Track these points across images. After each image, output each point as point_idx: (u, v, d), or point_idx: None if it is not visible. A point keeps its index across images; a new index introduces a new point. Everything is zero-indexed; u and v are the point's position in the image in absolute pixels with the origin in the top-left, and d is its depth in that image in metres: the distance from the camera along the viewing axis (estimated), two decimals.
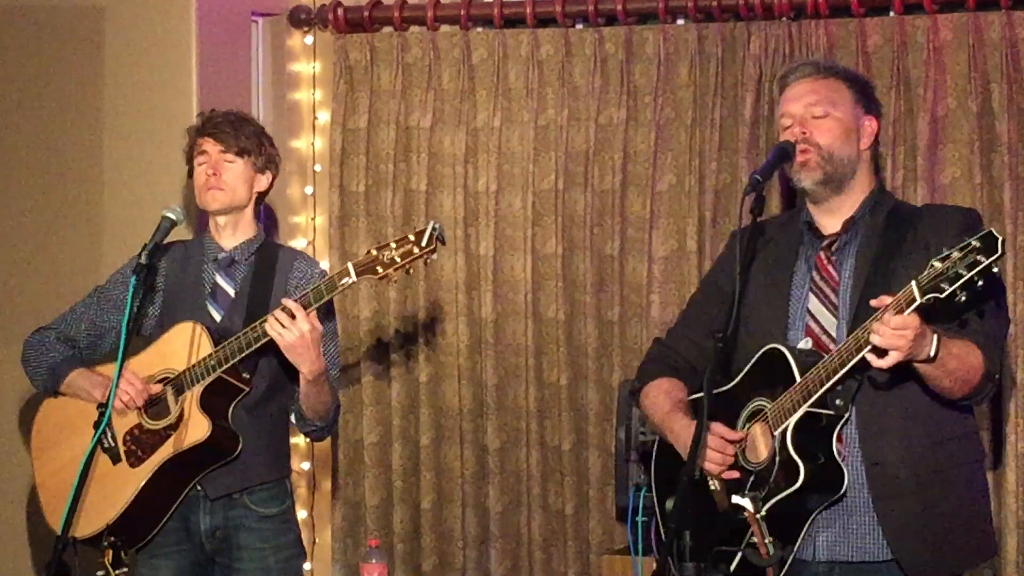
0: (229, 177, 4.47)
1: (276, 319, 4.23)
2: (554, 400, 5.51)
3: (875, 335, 3.66)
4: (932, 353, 3.70)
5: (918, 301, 3.62)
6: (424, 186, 5.62)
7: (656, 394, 4.17)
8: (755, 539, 3.60)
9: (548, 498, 5.53)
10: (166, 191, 5.19)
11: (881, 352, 3.69)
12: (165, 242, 4.54)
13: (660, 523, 4.17)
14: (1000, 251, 3.55)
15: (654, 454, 4.23)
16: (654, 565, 4.15)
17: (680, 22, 5.39)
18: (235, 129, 4.47)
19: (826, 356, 3.82)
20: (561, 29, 5.47)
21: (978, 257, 3.56)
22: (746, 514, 3.60)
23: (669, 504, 3.75)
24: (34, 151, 5.45)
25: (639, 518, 4.82)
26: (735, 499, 3.60)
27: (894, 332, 3.64)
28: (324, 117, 5.78)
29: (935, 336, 3.70)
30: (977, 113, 5.03)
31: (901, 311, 3.64)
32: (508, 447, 5.56)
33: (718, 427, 3.92)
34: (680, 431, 4.03)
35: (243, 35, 5.63)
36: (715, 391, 4.01)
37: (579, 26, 5.51)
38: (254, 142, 4.50)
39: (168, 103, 5.35)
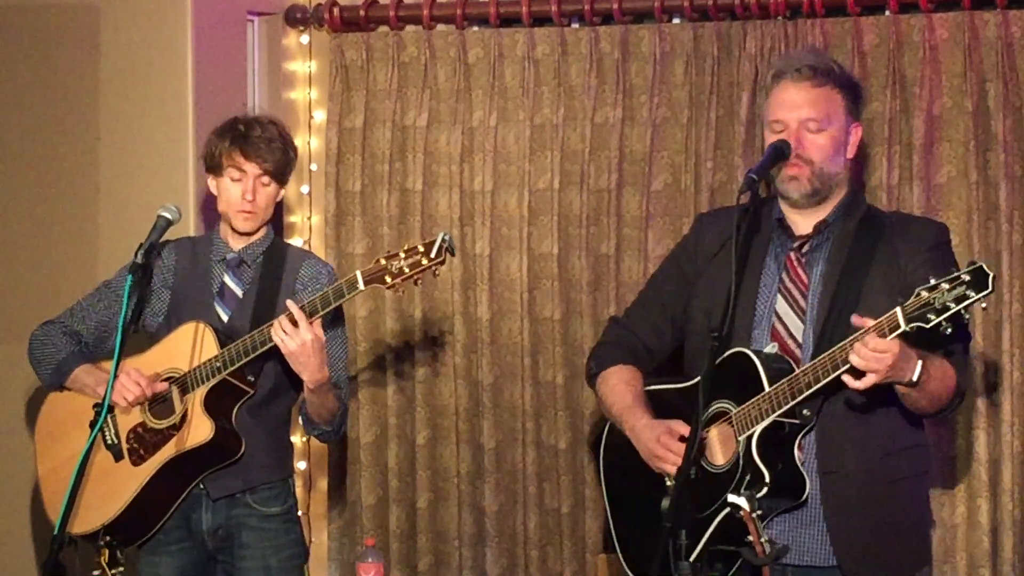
0: (262, 200, 4.47)
1: (280, 325, 4.23)
2: (550, 399, 5.51)
3: (854, 356, 3.66)
4: (915, 378, 3.71)
5: (902, 328, 3.62)
6: (420, 185, 5.61)
7: (616, 382, 4.16)
8: (751, 538, 3.60)
9: (544, 497, 5.53)
10: (162, 190, 5.18)
11: (859, 373, 3.69)
12: (175, 238, 4.56)
13: (611, 520, 4.17)
14: (990, 288, 3.55)
15: (602, 445, 4.23)
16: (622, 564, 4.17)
17: (676, 21, 5.39)
18: (270, 150, 4.44)
19: (799, 369, 3.81)
20: (557, 28, 5.47)
21: (968, 292, 3.56)
22: (742, 513, 3.60)
23: (664, 503, 3.75)
24: (30, 150, 5.45)
25: None
26: (730, 498, 3.60)
27: (874, 355, 3.64)
28: (320, 116, 5.78)
29: (919, 361, 3.70)
30: (973, 112, 5.03)
31: (884, 335, 3.64)
32: (504, 446, 5.56)
33: (680, 426, 3.92)
34: (641, 430, 4.03)
35: (239, 34, 5.63)
36: (666, 386, 4.02)
37: (575, 25, 5.51)
38: (286, 159, 4.48)
39: (164, 102, 5.35)
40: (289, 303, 4.26)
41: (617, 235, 5.42)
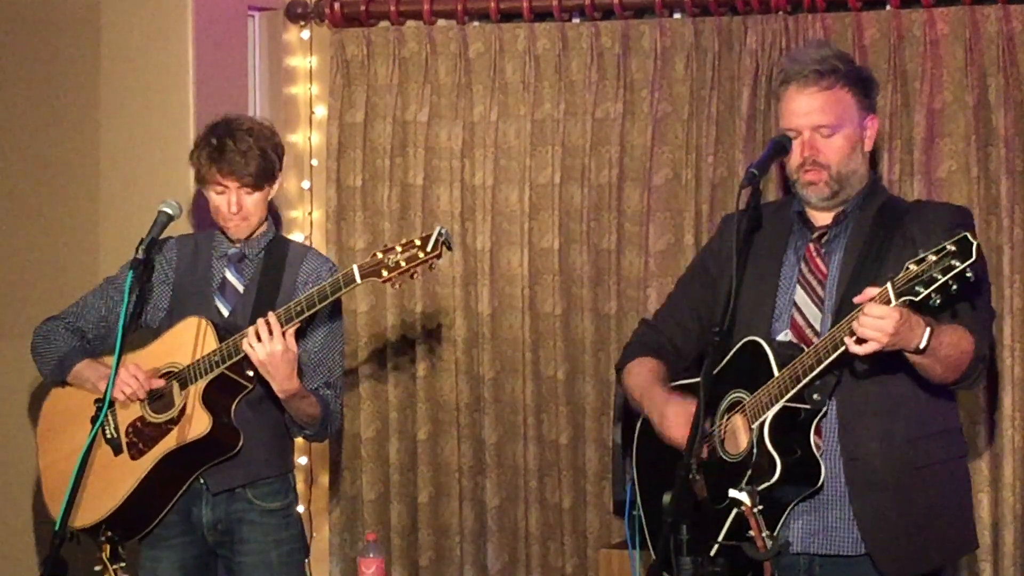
0: (251, 206, 4.47)
1: (254, 332, 4.23)
2: (551, 394, 5.51)
3: (856, 324, 3.66)
4: (922, 344, 3.70)
5: (893, 303, 3.61)
6: (421, 180, 5.62)
7: (638, 371, 4.17)
8: (752, 532, 3.60)
9: (545, 492, 5.53)
10: (163, 185, 5.19)
11: (861, 339, 3.69)
12: (178, 234, 4.55)
13: (643, 513, 4.18)
14: (974, 256, 3.54)
15: (635, 442, 4.23)
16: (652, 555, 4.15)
17: (676, 16, 5.39)
18: (246, 160, 4.41)
19: (804, 351, 3.81)
20: (557, 23, 5.47)
21: (952, 262, 3.55)
22: (743, 508, 3.60)
23: (666, 498, 3.74)
24: (30, 146, 5.44)
25: (636, 512, 4.82)
26: (732, 493, 3.60)
27: (875, 321, 3.64)
28: (321, 111, 5.78)
29: (927, 328, 3.69)
30: (974, 107, 5.03)
31: (890, 301, 3.64)
32: (505, 441, 5.57)
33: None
34: (660, 402, 4.02)
35: (240, 29, 5.63)
36: (691, 380, 4.01)
37: (575, 20, 5.51)
38: (266, 163, 4.45)
39: (165, 98, 5.35)
40: (270, 314, 4.25)
41: (618, 230, 5.42)
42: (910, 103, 5.11)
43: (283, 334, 4.24)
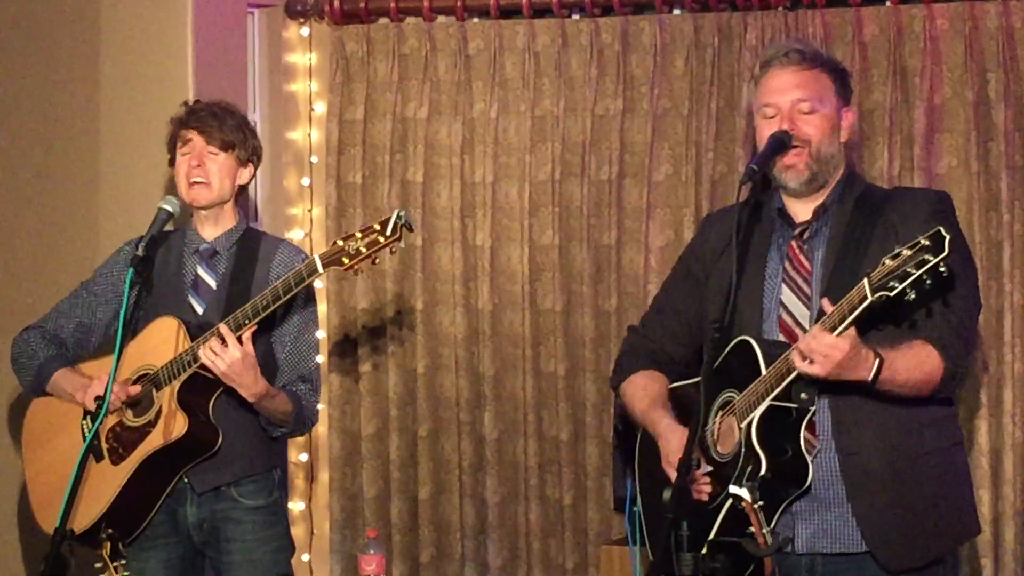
0: (214, 168, 4.43)
1: (209, 346, 4.21)
2: (551, 391, 5.51)
3: (804, 344, 3.65)
4: (870, 376, 3.68)
5: (869, 299, 3.59)
6: (421, 177, 5.62)
7: (633, 390, 4.13)
8: (753, 529, 3.59)
9: (546, 489, 5.53)
10: (162, 183, 5.18)
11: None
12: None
13: (643, 514, 4.17)
14: (947, 251, 3.52)
15: (637, 447, 4.22)
16: (649, 556, 4.15)
17: (676, 12, 5.39)
18: (219, 121, 4.42)
19: (788, 350, 3.79)
20: (557, 19, 5.47)
21: (925, 256, 3.53)
22: (744, 504, 3.59)
23: (666, 494, 3.73)
24: (29, 143, 5.43)
25: (637, 508, 4.83)
26: (732, 489, 3.59)
27: (822, 348, 3.63)
28: (321, 108, 5.78)
29: (876, 360, 3.68)
30: (973, 102, 5.03)
31: (843, 319, 3.62)
32: (506, 438, 5.57)
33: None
34: (665, 432, 3.98)
35: (239, 26, 5.62)
36: (688, 382, 4.00)
37: (575, 16, 5.51)
38: (238, 135, 4.44)
39: (164, 94, 5.33)
40: (220, 324, 4.23)
41: (618, 226, 5.42)
42: (910, 99, 5.11)
43: (239, 339, 4.22)
